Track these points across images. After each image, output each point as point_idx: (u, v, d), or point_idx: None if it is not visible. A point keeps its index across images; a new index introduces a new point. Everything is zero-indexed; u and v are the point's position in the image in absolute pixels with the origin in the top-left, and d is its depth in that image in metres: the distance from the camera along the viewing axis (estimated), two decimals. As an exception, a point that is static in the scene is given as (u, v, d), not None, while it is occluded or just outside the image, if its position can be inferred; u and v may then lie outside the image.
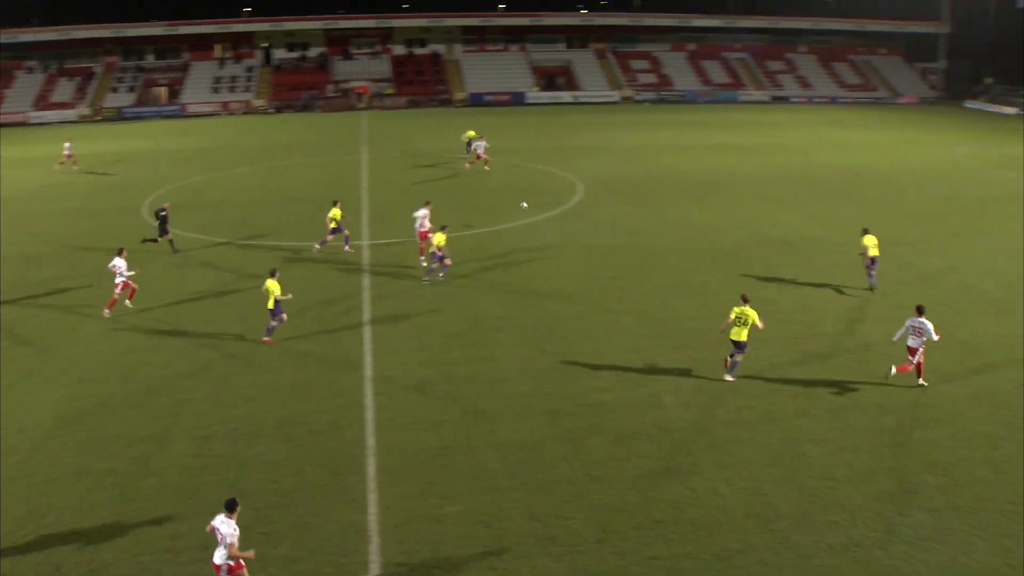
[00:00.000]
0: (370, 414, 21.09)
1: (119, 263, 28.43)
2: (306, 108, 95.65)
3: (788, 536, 16.28)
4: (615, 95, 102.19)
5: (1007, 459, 19.40)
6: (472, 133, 57.73)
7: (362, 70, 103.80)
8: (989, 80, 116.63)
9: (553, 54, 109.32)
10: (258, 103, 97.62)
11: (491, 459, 18.92)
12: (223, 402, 21.76)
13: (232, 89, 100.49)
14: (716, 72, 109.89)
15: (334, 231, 35.61)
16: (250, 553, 13.97)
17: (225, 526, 13.65)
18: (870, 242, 31.22)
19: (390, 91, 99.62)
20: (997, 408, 22.05)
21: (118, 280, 28.30)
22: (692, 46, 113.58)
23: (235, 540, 13.58)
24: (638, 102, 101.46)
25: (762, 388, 22.78)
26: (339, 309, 28.51)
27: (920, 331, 22.83)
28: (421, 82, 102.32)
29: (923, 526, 16.73)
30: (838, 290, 31.07)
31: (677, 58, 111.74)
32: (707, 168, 55.42)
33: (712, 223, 40.63)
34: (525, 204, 43.15)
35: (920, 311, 23.29)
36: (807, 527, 16.63)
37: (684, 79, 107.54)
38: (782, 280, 32.14)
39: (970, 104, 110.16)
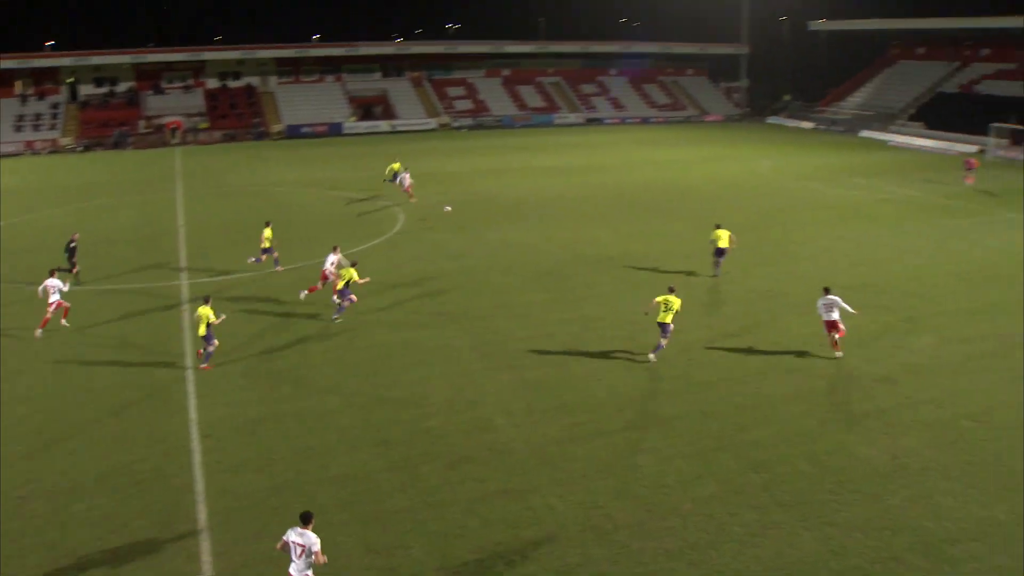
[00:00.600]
0: (197, 458, 20.41)
1: (53, 283, 29.44)
2: (117, 145, 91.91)
3: (626, 545, 16.66)
4: (432, 122, 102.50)
5: (824, 452, 20.50)
6: (396, 165, 55.99)
7: (175, 104, 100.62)
8: (787, 97, 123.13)
9: (369, 83, 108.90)
10: (65, 141, 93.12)
11: (325, 495, 18.60)
12: (39, 458, 20.60)
13: (36, 127, 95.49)
14: (531, 96, 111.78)
15: (266, 251, 36.87)
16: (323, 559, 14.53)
17: (305, 537, 14.22)
18: (721, 234, 35.67)
19: (204, 125, 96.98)
20: (812, 405, 23.32)
21: (52, 300, 29.25)
22: (507, 72, 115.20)
23: (319, 548, 14.21)
24: (456, 128, 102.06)
25: (591, 403, 23.29)
26: (158, 351, 27.52)
27: (831, 306, 26.58)
28: (236, 115, 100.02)
29: (751, 523, 17.45)
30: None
31: (493, 84, 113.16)
32: (526, 190, 56.25)
33: (533, 244, 41.27)
34: (448, 207, 45.78)
35: (827, 291, 27.10)
36: (643, 535, 17.05)
37: (500, 104, 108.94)
38: (602, 296, 32.94)
39: (772, 120, 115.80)
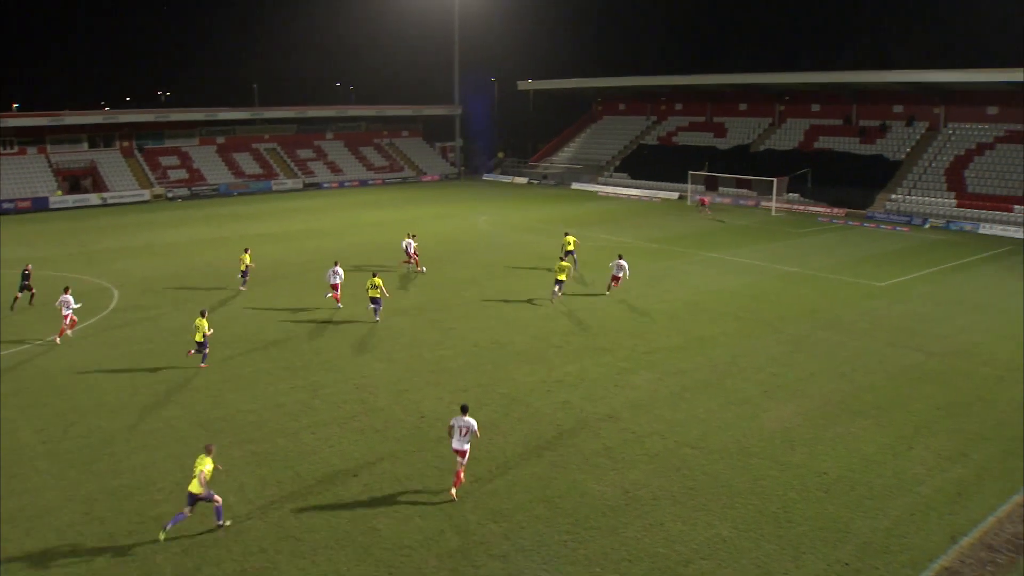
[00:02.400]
0: None
1: (66, 299, 35.23)
2: None
3: (369, 612, 16.41)
4: (146, 194, 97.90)
5: (558, 495, 21.12)
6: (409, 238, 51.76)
7: None
8: (501, 154, 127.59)
9: (77, 155, 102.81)
10: None
11: (44, 598, 17.23)
12: None
13: None
14: (248, 163, 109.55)
15: (244, 273, 45.29)
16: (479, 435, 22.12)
17: (466, 420, 21.28)
18: (569, 240, 48.41)
19: None
20: (543, 450, 23.98)
21: (66, 312, 35.12)
22: (222, 139, 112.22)
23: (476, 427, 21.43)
24: (171, 199, 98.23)
25: (325, 471, 22.84)
26: None
27: (620, 267, 42.65)
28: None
29: (495, 573, 17.69)
30: (387, 363, 32.10)
31: (207, 152, 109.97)
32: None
33: (254, 313, 40.00)
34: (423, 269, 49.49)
35: (620, 256, 43.91)
36: (388, 599, 16.87)
37: (216, 173, 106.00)
38: (330, 360, 32.53)
39: (487, 177, 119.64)
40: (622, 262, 42.90)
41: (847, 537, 19.29)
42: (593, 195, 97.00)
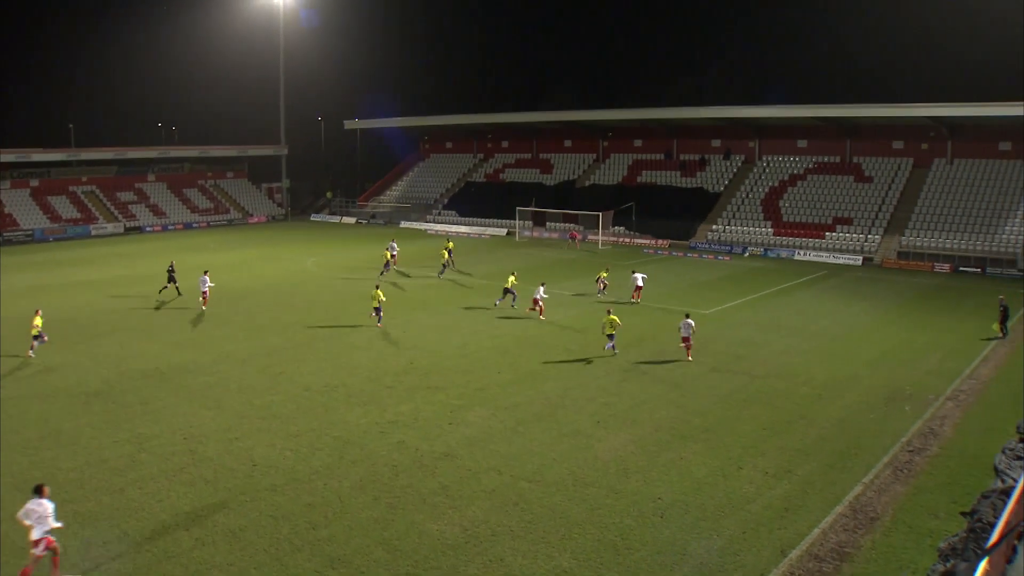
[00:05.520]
0: None
1: (204, 279, 49.27)
2: None
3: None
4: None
5: (397, 536, 20.78)
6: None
7: None
8: (329, 194, 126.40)
9: None
10: None
11: None
12: None
13: None
14: (65, 207, 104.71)
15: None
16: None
17: (688, 321, 37.24)
18: (450, 246, 61.26)
19: None
20: (379, 492, 23.59)
21: (204, 288, 48.89)
22: (35, 182, 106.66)
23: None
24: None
25: (153, 526, 21.74)
26: None
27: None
28: None
29: (331, 623, 17.17)
30: (215, 410, 31.05)
31: (20, 195, 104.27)
32: (62, 308, 51.85)
33: (76, 363, 38.04)
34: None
35: (634, 271, 51.94)
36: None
37: (30, 217, 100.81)
38: (157, 411, 31.15)
39: (315, 217, 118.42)
40: (638, 275, 51.52)
41: (683, 559, 19.65)
42: (422, 233, 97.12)
